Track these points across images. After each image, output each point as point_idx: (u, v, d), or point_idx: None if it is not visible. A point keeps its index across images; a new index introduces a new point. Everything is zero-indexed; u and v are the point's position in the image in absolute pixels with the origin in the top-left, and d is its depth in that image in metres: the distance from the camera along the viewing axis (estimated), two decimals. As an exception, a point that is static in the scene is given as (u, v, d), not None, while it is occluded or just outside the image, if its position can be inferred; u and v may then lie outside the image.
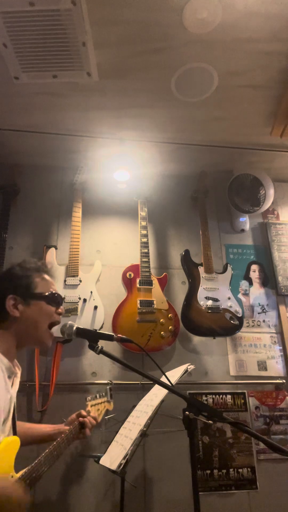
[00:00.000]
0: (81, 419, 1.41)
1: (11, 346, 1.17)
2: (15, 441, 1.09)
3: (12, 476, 1.03)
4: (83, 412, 1.44)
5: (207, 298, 2.25)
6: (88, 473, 1.90)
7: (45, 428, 1.42)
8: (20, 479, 1.04)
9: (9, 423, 1.13)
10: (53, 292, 1.26)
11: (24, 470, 1.07)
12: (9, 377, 1.13)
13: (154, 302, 2.19)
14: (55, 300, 1.26)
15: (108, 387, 1.73)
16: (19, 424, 1.25)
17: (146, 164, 2.60)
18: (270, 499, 1.95)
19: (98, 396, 1.62)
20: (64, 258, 2.25)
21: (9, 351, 1.15)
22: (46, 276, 1.28)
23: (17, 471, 1.07)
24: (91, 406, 1.54)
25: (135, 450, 1.54)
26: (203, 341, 2.27)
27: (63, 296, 2.08)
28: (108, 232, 2.52)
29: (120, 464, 1.27)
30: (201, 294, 2.25)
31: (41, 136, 2.32)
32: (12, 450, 1.06)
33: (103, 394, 1.67)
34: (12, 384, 1.16)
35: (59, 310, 1.26)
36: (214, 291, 2.28)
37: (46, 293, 1.23)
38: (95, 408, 1.56)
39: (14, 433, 1.16)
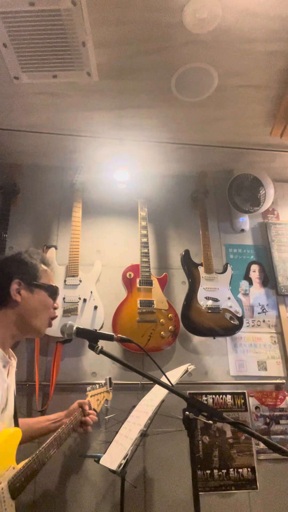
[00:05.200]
0: (83, 418, 1.41)
1: (6, 335, 1.17)
2: (17, 432, 1.09)
3: (13, 468, 1.03)
4: (85, 406, 1.44)
5: (207, 298, 2.25)
6: (88, 473, 1.90)
7: (45, 422, 1.42)
8: (22, 470, 1.04)
9: (9, 412, 1.14)
10: (55, 285, 1.29)
11: (25, 461, 1.08)
12: (4, 366, 1.14)
13: (154, 302, 2.19)
14: (55, 293, 1.29)
15: (108, 377, 1.72)
16: (20, 420, 1.26)
17: (146, 164, 2.60)
18: (270, 499, 1.95)
19: (97, 386, 1.62)
20: (64, 258, 2.25)
21: (3, 341, 1.16)
22: (49, 270, 1.31)
23: (18, 462, 1.07)
24: (91, 396, 1.54)
25: (135, 450, 1.54)
26: (203, 341, 2.27)
27: (63, 296, 2.09)
28: (108, 232, 2.52)
29: (120, 464, 1.27)
30: (201, 294, 2.25)
31: (41, 136, 2.31)
32: (13, 441, 1.07)
33: (103, 384, 1.66)
34: (8, 373, 1.16)
35: (55, 304, 1.29)
36: (214, 291, 2.28)
37: (49, 285, 1.26)
38: (95, 399, 1.56)
39: (16, 424, 1.16)
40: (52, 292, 1.27)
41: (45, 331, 1.27)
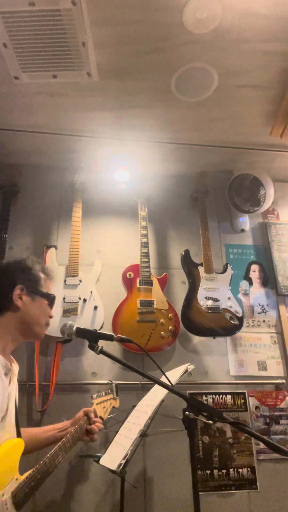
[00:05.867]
0: (88, 427, 1.37)
1: (7, 342, 1.18)
2: (19, 443, 1.08)
3: (16, 479, 1.02)
4: (91, 414, 1.40)
5: (207, 298, 2.25)
6: (88, 473, 1.90)
7: (51, 431, 1.39)
8: (26, 481, 1.03)
9: (11, 420, 1.13)
10: (53, 295, 1.33)
11: (29, 472, 1.06)
12: (6, 374, 1.14)
13: (154, 302, 2.19)
14: (53, 303, 1.33)
15: (114, 384, 1.68)
16: (22, 430, 1.24)
17: (146, 164, 2.60)
18: (270, 499, 1.95)
19: (103, 394, 1.57)
20: (64, 258, 2.24)
21: (4, 348, 1.17)
22: (48, 279, 1.35)
23: (21, 473, 1.05)
24: (97, 404, 1.49)
25: (135, 450, 1.54)
26: (203, 341, 2.27)
27: (63, 296, 2.09)
28: (108, 232, 2.52)
29: (120, 464, 1.27)
30: (201, 294, 2.25)
31: (41, 136, 2.32)
32: (16, 452, 1.06)
33: (109, 391, 1.64)
34: (10, 381, 1.16)
35: (52, 313, 1.33)
36: (214, 291, 2.28)
37: (49, 294, 1.31)
38: (101, 406, 1.51)
39: (18, 434, 1.16)
40: (51, 301, 1.31)
41: (43, 336, 1.31)
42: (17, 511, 0.99)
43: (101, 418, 1.44)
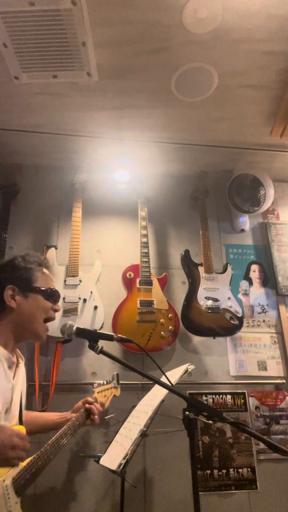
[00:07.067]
0: (87, 405, 1.40)
1: (9, 338, 1.18)
2: (21, 430, 1.09)
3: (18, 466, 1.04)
4: (90, 399, 1.44)
5: (207, 298, 2.25)
6: (88, 473, 1.90)
7: (51, 416, 1.43)
8: (27, 468, 1.05)
9: (15, 412, 1.14)
10: (52, 288, 1.27)
11: (29, 458, 1.08)
12: (10, 367, 1.14)
13: (154, 302, 2.19)
14: (53, 296, 1.27)
15: (115, 373, 1.71)
16: (25, 413, 1.26)
17: (146, 164, 2.60)
18: (270, 499, 1.95)
19: (105, 383, 1.60)
20: (64, 258, 2.24)
21: (7, 342, 1.17)
22: (47, 272, 1.30)
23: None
24: (98, 392, 1.53)
25: (135, 450, 1.54)
26: (203, 341, 2.27)
27: (63, 296, 2.08)
28: (108, 232, 2.52)
29: (120, 464, 1.27)
30: (201, 294, 2.25)
31: (41, 136, 2.31)
32: None
33: (110, 380, 1.65)
34: (14, 374, 1.16)
35: (56, 307, 1.27)
36: (214, 291, 2.28)
37: (45, 288, 1.25)
38: (102, 394, 1.55)
39: (20, 422, 1.17)
40: (48, 295, 1.25)
41: (45, 336, 1.26)
42: (18, 497, 1.00)
43: (102, 405, 1.45)
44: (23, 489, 1.01)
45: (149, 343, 2.09)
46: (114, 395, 1.64)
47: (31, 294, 1.22)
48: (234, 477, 1.98)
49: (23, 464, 1.05)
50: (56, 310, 1.27)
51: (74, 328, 1.22)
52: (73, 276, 2.18)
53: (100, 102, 2.06)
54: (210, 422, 1.02)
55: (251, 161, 2.62)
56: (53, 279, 1.32)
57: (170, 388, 1.12)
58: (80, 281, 2.18)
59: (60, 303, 2.04)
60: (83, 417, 1.37)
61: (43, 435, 1.34)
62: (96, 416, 1.40)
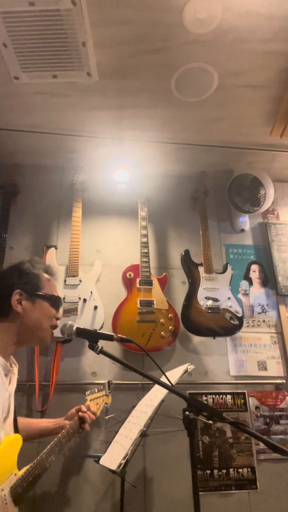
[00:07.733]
0: (80, 413, 1.41)
1: (8, 344, 1.17)
2: (17, 439, 1.09)
3: (15, 474, 1.04)
4: (83, 408, 1.45)
5: (207, 298, 2.25)
6: (88, 473, 1.90)
7: (45, 423, 1.44)
8: (24, 476, 1.04)
9: (10, 420, 1.14)
10: (57, 295, 1.28)
11: (26, 467, 1.08)
12: (6, 375, 1.14)
13: (154, 302, 2.19)
14: (58, 304, 1.28)
15: (107, 381, 1.73)
16: (20, 420, 1.26)
17: (146, 164, 2.60)
18: (270, 499, 1.95)
19: (96, 390, 1.62)
20: (64, 258, 2.24)
21: (5, 349, 1.16)
22: (52, 279, 1.31)
23: (19, 468, 1.07)
24: (90, 400, 1.55)
25: (135, 450, 1.54)
26: (203, 341, 2.27)
27: (63, 296, 2.08)
28: (108, 232, 2.51)
29: (120, 464, 1.27)
30: (201, 294, 2.25)
31: (41, 136, 2.31)
32: (14, 448, 1.07)
33: (101, 388, 1.67)
34: (10, 381, 1.16)
35: (58, 315, 1.28)
36: (214, 291, 2.28)
37: (51, 295, 1.26)
38: (94, 402, 1.56)
39: (16, 430, 1.17)
40: (54, 302, 1.26)
41: (49, 340, 1.27)
42: (16, 506, 1.00)
43: (94, 414, 1.47)
44: (20, 498, 1.01)
45: (149, 343, 2.09)
46: (106, 403, 1.66)
47: (38, 300, 1.22)
48: (234, 477, 1.98)
49: (20, 472, 1.05)
50: (58, 318, 1.28)
51: (74, 328, 1.22)
52: (73, 276, 2.18)
53: (100, 102, 2.06)
54: (210, 422, 1.02)
55: (251, 161, 2.62)
56: (57, 287, 1.33)
57: (170, 388, 1.12)
58: (80, 281, 2.18)
59: (60, 303, 2.06)
60: (76, 425, 1.38)
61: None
62: (87, 425, 1.42)
